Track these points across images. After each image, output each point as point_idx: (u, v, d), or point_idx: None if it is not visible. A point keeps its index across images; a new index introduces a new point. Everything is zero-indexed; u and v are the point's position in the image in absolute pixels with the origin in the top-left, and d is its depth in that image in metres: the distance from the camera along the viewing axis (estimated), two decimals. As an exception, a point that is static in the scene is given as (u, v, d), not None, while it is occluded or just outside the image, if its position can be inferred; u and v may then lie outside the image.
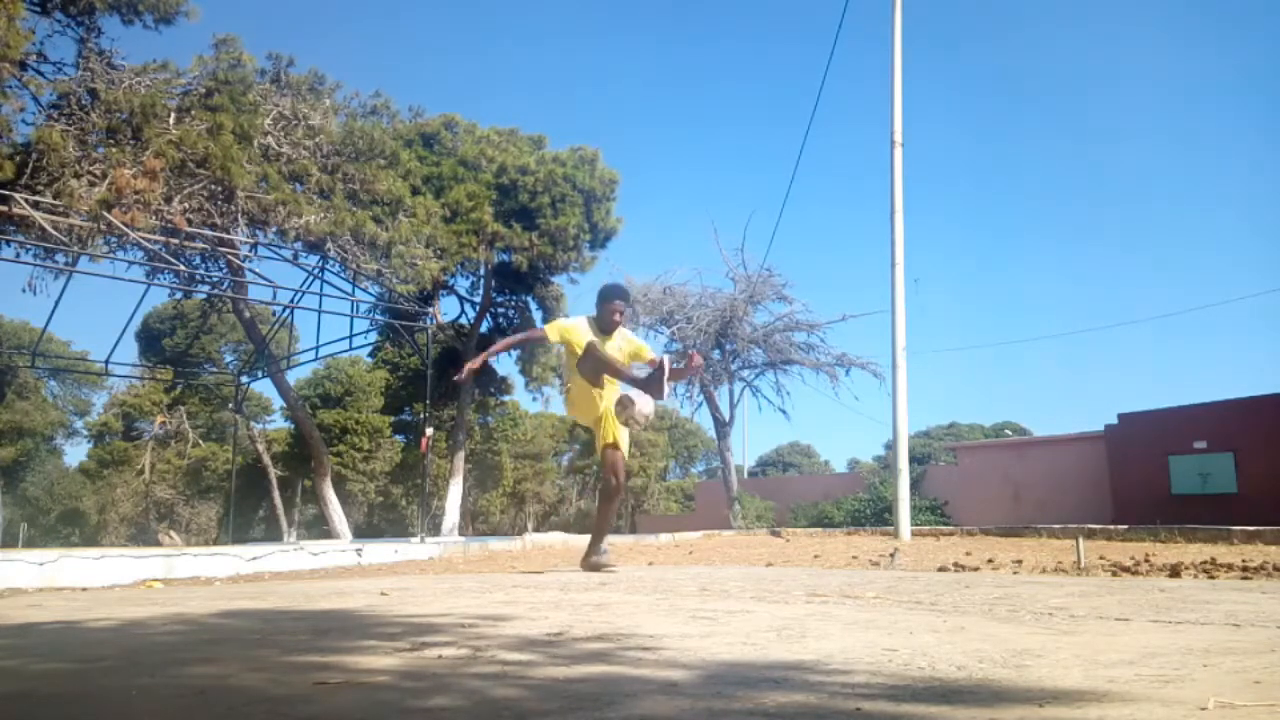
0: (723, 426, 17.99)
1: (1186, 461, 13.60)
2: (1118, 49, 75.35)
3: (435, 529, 19.71)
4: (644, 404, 4.76)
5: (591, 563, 4.96)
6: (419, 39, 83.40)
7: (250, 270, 13.88)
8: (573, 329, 4.98)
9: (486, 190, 17.07)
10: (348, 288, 13.74)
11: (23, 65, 11.26)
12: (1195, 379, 67.45)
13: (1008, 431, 37.42)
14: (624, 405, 4.76)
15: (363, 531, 30.44)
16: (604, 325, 4.99)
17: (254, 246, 13.14)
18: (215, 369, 29.71)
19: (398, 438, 34.78)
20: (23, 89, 11.47)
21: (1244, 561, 5.25)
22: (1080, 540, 5.87)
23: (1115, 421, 15.02)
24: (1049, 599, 2.88)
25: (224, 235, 12.38)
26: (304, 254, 13.59)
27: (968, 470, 17.98)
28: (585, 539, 10.33)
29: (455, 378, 5.32)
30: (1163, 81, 73.11)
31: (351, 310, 13.90)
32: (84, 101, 11.82)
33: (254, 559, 7.45)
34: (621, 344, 5.06)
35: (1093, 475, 15.00)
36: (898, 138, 10.43)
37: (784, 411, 17.72)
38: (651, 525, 23.23)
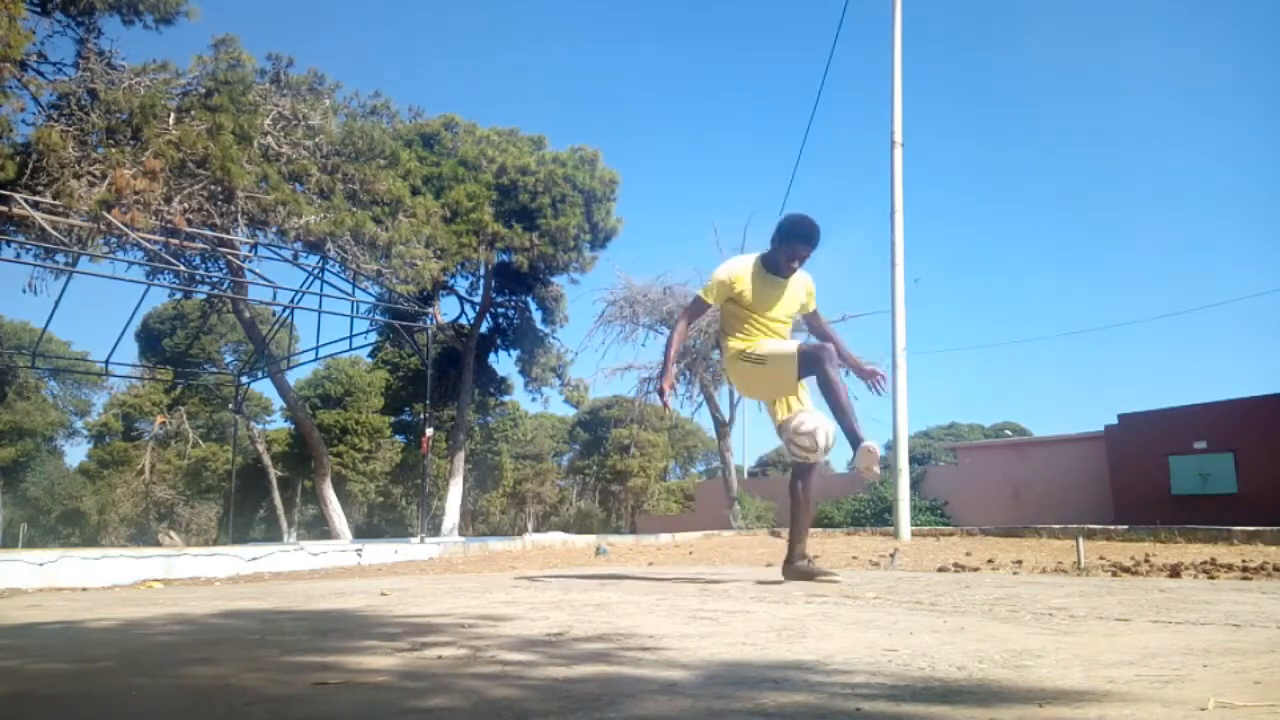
0: (723, 426, 17.99)
1: (1186, 461, 13.59)
2: (1117, 50, 75.38)
3: (435, 529, 19.71)
4: (818, 425, 3.73)
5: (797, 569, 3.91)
6: (419, 39, 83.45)
7: (250, 270, 13.89)
8: (733, 281, 3.86)
9: (486, 190, 17.07)
10: (348, 288, 13.75)
11: (23, 65, 11.26)
12: (1195, 379, 67.53)
13: (1008, 431, 37.42)
14: (864, 454, 3.55)
15: (363, 532, 30.44)
16: (775, 267, 3.89)
17: (254, 246, 13.14)
18: (215, 369, 29.71)
19: (398, 438, 34.80)
20: (23, 89, 11.48)
21: (1244, 561, 5.25)
22: (1080, 540, 5.86)
23: (1115, 421, 15.01)
24: (1049, 599, 2.88)
25: (224, 235, 12.38)
26: (304, 254, 13.59)
27: (968, 470, 17.97)
28: (585, 539, 10.34)
29: (664, 404, 4.12)
30: (1162, 82, 73.15)
31: (351, 310, 13.91)
32: (84, 102, 11.82)
33: (254, 559, 7.46)
34: (798, 292, 4.00)
35: (1093, 475, 14.99)
36: (898, 138, 10.43)
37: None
38: (651, 525, 23.22)
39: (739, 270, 3.88)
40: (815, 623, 2.36)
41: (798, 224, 3.84)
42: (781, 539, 9.80)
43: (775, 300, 3.90)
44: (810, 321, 4.21)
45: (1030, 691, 1.41)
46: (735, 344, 3.91)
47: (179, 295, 21.02)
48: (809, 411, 3.86)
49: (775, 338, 3.92)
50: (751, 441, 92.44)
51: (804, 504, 3.93)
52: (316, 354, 15.79)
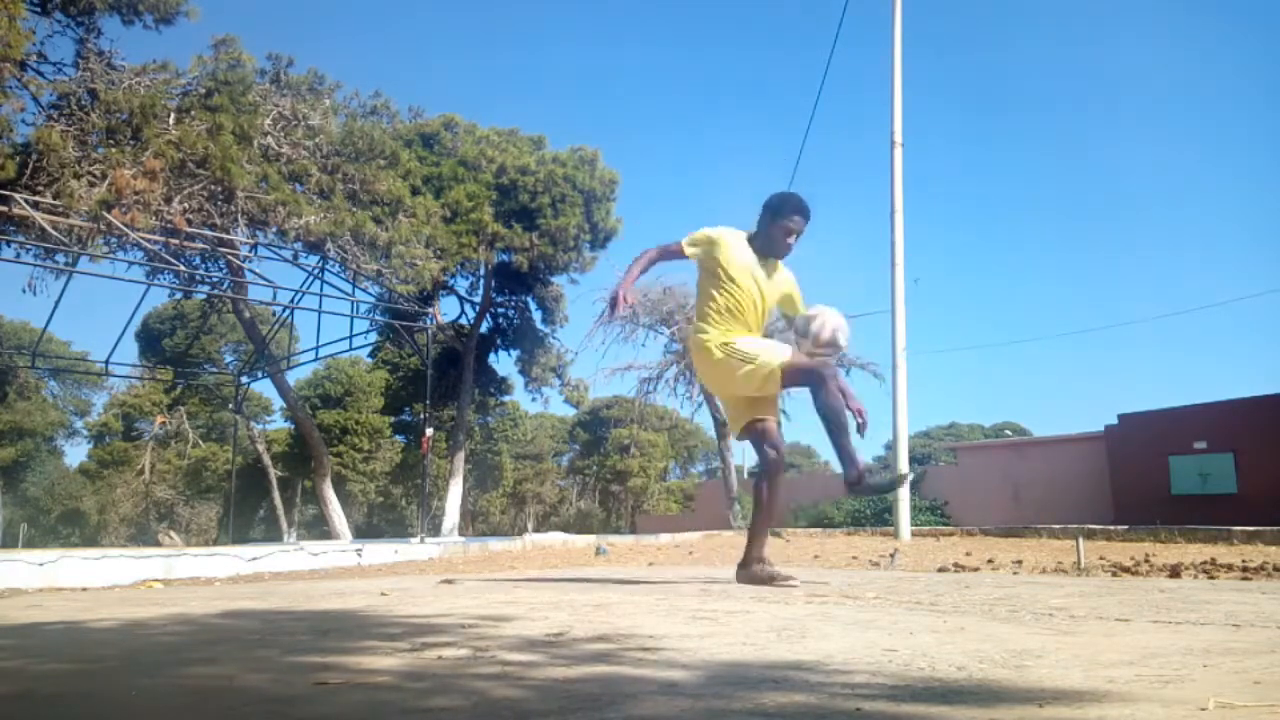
0: (723, 427, 17.98)
1: (1186, 461, 13.59)
2: (1117, 51, 75.45)
3: (435, 529, 19.71)
4: (832, 319, 3.49)
5: (754, 573, 3.65)
6: (419, 39, 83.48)
7: (250, 270, 13.90)
8: (722, 244, 3.55)
9: (486, 190, 17.07)
10: (348, 288, 13.76)
11: (23, 65, 11.26)
12: (1195, 379, 67.65)
13: (1008, 431, 37.42)
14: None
15: (363, 532, 30.44)
16: (768, 247, 3.59)
17: (254, 247, 13.15)
18: (215, 369, 29.71)
19: (398, 438, 34.80)
20: (23, 89, 11.48)
21: (1244, 562, 5.25)
22: (1080, 540, 5.86)
23: (1115, 421, 15.01)
24: (1049, 599, 2.88)
25: (224, 235, 12.39)
26: (304, 254, 13.60)
27: (968, 470, 17.97)
28: (585, 539, 10.33)
29: (613, 315, 3.81)
30: (1162, 83, 73.23)
31: (351, 310, 13.91)
32: (84, 102, 11.82)
33: (254, 559, 7.46)
34: (783, 283, 3.70)
35: (1093, 475, 14.99)
36: (898, 138, 10.43)
37: (784, 412, 17.65)
38: (652, 525, 23.23)
39: (726, 233, 3.59)
40: (815, 623, 2.36)
41: (789, 197, 3.59)
42: (782, 539, 9.79)
43: (757, 280, 3.56)
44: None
45: (1030, 691, 1.41)
46: (716, 335, 3.52)
47: (179, 295, 21.03)
48: (815, 313, 3.55)
49: (753, 334, 3.58)
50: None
51: (767, 506, 3.65)
52: (316, 354, 15.81)
